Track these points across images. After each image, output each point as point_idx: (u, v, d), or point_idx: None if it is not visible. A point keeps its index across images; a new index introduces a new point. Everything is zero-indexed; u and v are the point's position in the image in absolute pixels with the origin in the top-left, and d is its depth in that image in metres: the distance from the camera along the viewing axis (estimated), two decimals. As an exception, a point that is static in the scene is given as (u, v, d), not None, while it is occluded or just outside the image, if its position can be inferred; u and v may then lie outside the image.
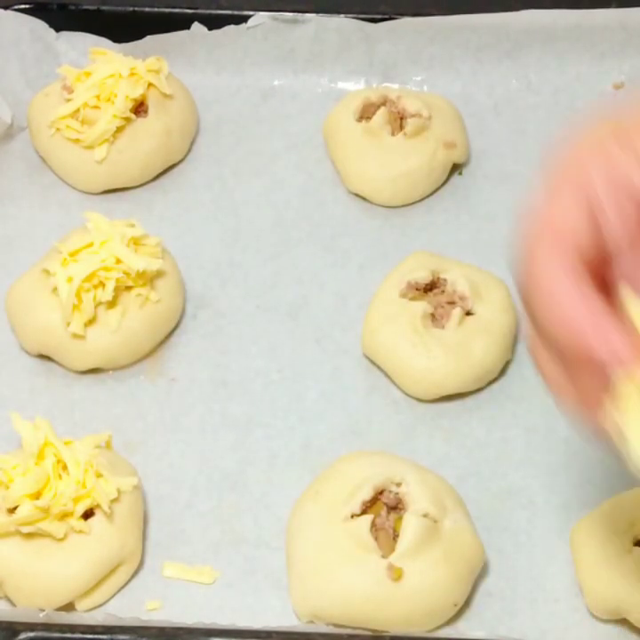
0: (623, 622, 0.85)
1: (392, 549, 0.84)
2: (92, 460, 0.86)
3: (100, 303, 0.96)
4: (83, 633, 0.80)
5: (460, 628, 0.86)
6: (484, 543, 0.86)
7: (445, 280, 0.99)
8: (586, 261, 0.60)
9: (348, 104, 1.12)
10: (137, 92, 1.08)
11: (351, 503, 0.85)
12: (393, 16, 1.16)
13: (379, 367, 0.99)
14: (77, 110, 1.07)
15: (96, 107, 1.07)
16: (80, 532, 0.85)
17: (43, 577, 0.84)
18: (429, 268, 0.99)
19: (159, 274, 0.99)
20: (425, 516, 0.84)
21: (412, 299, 0.98)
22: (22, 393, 0.98)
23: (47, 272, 0.96)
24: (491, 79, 1.15)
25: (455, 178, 1.12)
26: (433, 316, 0.97)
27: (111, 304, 0.96)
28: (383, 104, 1.10)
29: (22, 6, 1.16)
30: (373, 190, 1.09)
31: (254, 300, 1.04)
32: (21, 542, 0.84)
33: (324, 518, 0.85)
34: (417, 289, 0.98)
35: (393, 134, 1.09)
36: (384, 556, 0.83)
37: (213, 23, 1.16)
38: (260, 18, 1.16)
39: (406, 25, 1.16)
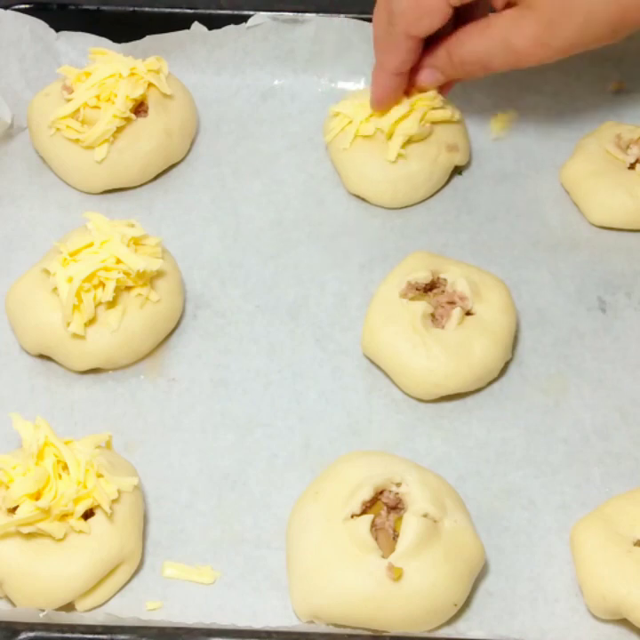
0: (623, 622, 0.85)
1: (392, 549, 0.84)
2: (92, 460, 0.86)
3: (100, 303, 0.96)
4: (83, 633, 0.80)
5: (460, 628, 0.86)
6: (484, 543, 0.86)
7: (445, 280, 0.99)
8: None
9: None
10: (137, 92, 1.08)
11: (351, 503, 0.85)
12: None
13: (379, 367, 0.99)
14: (77, 110, 1.08)
15: (96, 107, 1.07)
16: (80, 532, 0.85)
17: (43, 577, 0.84)
18: (429, 268, 0.99)
19: (159, 274, 0.99)
20: (425, 515, 0.84)
21: (412, 299, 0.97)
22: (22, 393, 0.98)
23: (47, 272, 0.96)
24: (491, 79, 1.14)
25: (455, 178, 1.12)
26: (433, 316, 0.97)
27: (111, 304, 0.96)
28: None
29: (22, 6, 1.16)
30: (374, 193, 1.09)
31: (254, 299, 1.04)
32: (21, 542, 0.84)
33: (323, 518, 0.85)
34: (417, 289, 0.98)
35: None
36: (384, 556, 0.83)
37: (213, 23, 1.17)
38: (259, 18, 1.16)
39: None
